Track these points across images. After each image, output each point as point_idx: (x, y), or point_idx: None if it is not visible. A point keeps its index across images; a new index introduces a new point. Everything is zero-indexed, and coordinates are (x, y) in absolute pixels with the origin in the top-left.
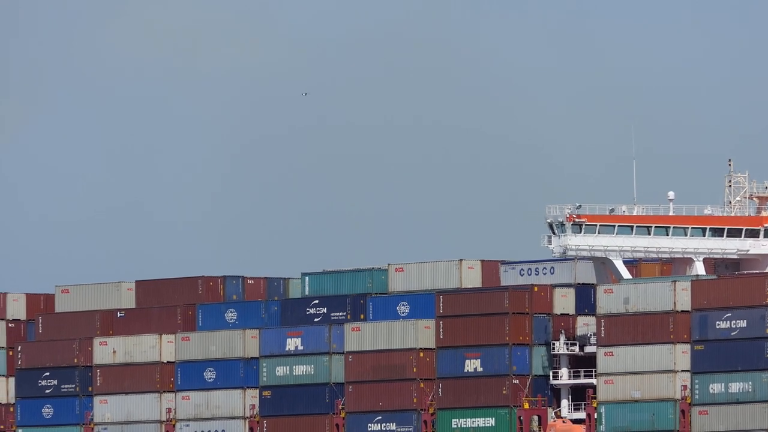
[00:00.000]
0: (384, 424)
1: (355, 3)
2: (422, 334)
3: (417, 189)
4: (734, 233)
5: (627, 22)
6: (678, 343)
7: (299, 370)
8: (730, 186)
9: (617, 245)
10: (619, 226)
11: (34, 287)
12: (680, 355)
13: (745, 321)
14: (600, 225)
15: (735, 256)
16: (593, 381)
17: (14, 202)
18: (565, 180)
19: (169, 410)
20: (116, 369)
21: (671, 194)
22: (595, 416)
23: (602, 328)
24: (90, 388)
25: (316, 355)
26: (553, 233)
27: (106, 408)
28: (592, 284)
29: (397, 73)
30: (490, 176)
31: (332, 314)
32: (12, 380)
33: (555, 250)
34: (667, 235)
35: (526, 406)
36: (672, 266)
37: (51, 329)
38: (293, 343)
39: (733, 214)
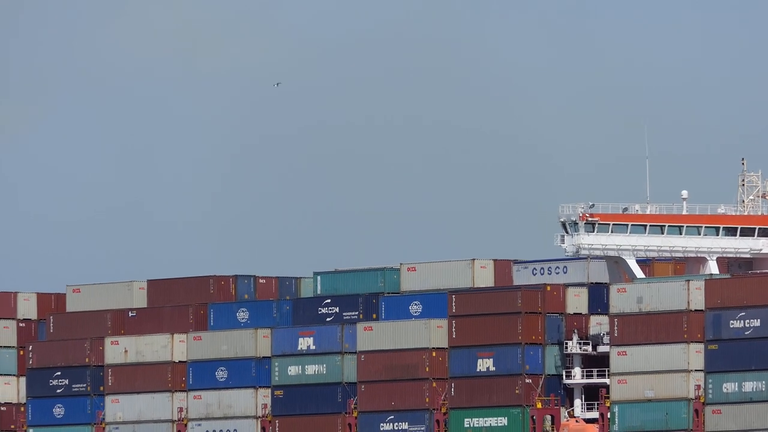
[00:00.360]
0: (396, 424)
1: (356, 3)
2: (435, 333)
3: (429, 188)
4: (747, 232)
5: (635, 20)
6: (691, 342)
7: (311, 369)
8: (743, 185)
9: (630, 244)
10: (632, 225)
11: (45, 287)
12: (694, 354)
13: (758, 320)
14: (613, 224)
15: (748, 256)
16: (606, 380)
17: (24, 202)
18: (578, 179)
19: (180, 410)
20: (128, 368)
21: (684, 193)
22: (608, 416)
23: (615, 328)
24: (101, 388)
25: (328, 354)
26: (566, 232)
27: (117, 407)
28: (605, 283)
29: (406, 72)
30: (502, 176)
31: (344, 314)
32: (23, 380)
33: (568, 250)
34: (681, 234)
35: (539, 405)
36: (685, 265)
37: (62, 329)
38: (305, 343)
39: (746, 213)
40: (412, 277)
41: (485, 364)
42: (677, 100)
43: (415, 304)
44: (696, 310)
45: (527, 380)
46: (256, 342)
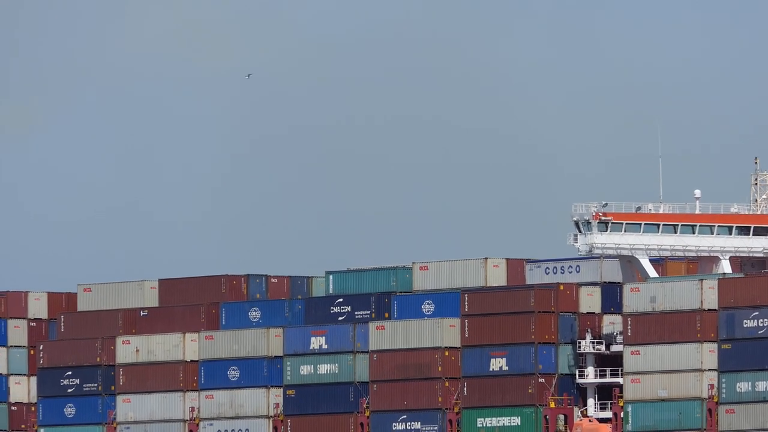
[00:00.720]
0: (409, 423)
1: (357, 3)
2: (447, 332)
3: (442, 188)
4: (760, 231)
5: (646, 17)
6: (705, 341)
7: (323, 368)
8: (756, 184)
9: (643, 243)
10: (645, 224)
11: (56, 286)
12: (707, 353)
13: None
14: (626, 223)
15: (761, 255)
16: (620, 380)
17: (33, 202)
18: (591, 178)
19: (192, 409)
20: (139, 368)
21: (697, 192)
22: (622, 415)
23: (629, 327)
24: (113, 387)
25: (340, 353)
26: (579, 231)
27: (128, 407)
28: (618, 283)
29: (417, 71)
30: (515, 175)
31: (356, 313)
32: (33, 379)
33: (581, 249)
34: (694, 233)
35: (552, 405)
36: (698, 265)
37: (73, 328)
38: (317, 342)
39: (759, 213)
40: (424, 276)
41: (498, 364)
42: (690, 98)
43: (428, 303)
44: (709, 310)
45: (540, 380)
46: (268, 341)
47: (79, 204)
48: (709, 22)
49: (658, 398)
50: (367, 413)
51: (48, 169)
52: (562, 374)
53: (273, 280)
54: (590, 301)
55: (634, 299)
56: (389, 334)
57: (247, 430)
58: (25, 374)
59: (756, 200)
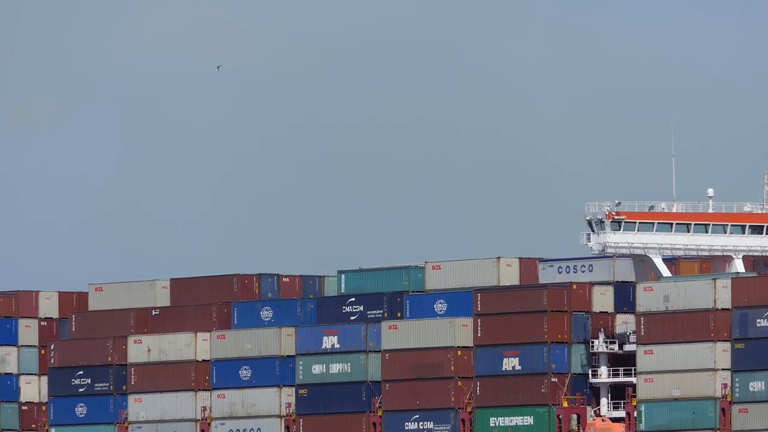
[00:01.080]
0: (421, 423)
1: (359, 3)
2: (460, 332)
3: (454, 187)
4: None
5: (656, 15)
6: (718, 341)
7: (336, 368)
8: None
9: (656, 243)
10: (658, 223)
11: (66, 286)
12: (720, 353)
13: None
14: (639, 222)
15: None
16: (633, 379)
17: (44, 202)
18: (604, 177)
19: (204, 409)
20: (151, 367)
21: (710, 191)
22: (635, 415)
23: (642, 326)
24: (124, 387)
25: (352, 353)
26: (592, 230)
27: (140, 407)
28: (631, 282)
29: (426, 71)
30: (527, 174)
31: (369, 312)
32: (44, 379)
33: (594, 248)
34: (707, 232)
35: (565, 404)
36: (711, 264)
37: (84, 327)
38: (330, 341)
39: None
40: (436, 276)
41: (511, 363)
42: (702, 97)
43: (440, 303)
44: (722, 309)
45: (553, 379)
46: (280, 341)
47: (88, 204)
48: (719, 19)
49: (671, 398)
50: (380, 413)
51: (58, 169)
52: (575, 374)
53: (285, 280)
54: (603, 300)
55: (647, 298)
56: (402, 334)
57: (259, 429)
58: (35, 374)
59: None
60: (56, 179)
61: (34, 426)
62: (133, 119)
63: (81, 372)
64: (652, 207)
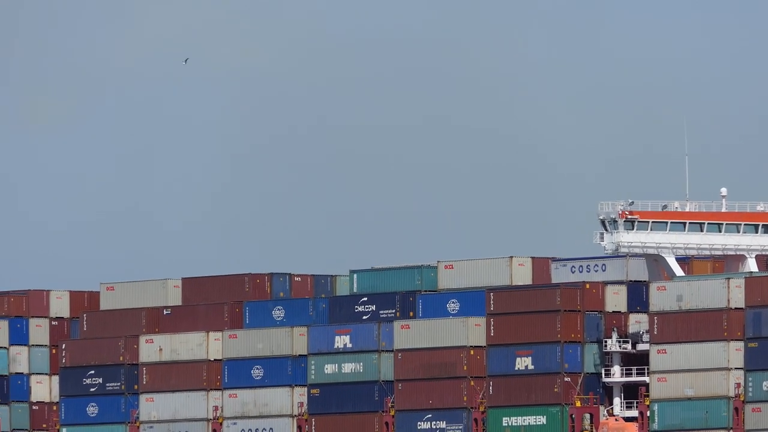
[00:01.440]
0: (434, 423)
1: (360, 3)
2: (472, 331)
3: (467, 186)
4: None
5: (668, 13)
6: (731, 340)
7: (348, 367)
8: None
9: (670, 242)
10: (671, 222)
11: (77, 286)
12: (733, 352)
13: None
14: (652, 222)
15: None
16: (646, 379)
17: (55, 201)
18: (617, 177)
19: (216, 408)
20: (162, 367)
21: (724, 191)
22: (648, 414)
23: (655, 326)
24: (136, 387)
25: (365, 352)
26: (606, 230)
27: (152, 406)
28: (644, 281)
29: (429, 71)
30: (540, 173)
31: (381, 312)
32: (55, 378)
33: (607, 247)
34: (720, 231)
35: (578, 404)
36: (724, 263)
37: (96, 327)
38: (342, 341)
39: None
40: (449, 275)
41: (524, 363)
42: (716, 96)
43: (453, 302)
44: (736, 308)
45: (566, 379)
46: (293, 340)
47: (99, 203)
48: (732, 17)
49: (684, 397)
50: (392, 412)
51: (67, 170)
52: (588, 373)
53: (296, 279)
54: (616, 299)
55: (660, 298)
56: (414, 333)
57: (271, 429)
58: (46, 373)
59: None
60: (66, 179)
61: (44, 426)
62: (139, 120)
63: (92, 371)
64: (665, 206)
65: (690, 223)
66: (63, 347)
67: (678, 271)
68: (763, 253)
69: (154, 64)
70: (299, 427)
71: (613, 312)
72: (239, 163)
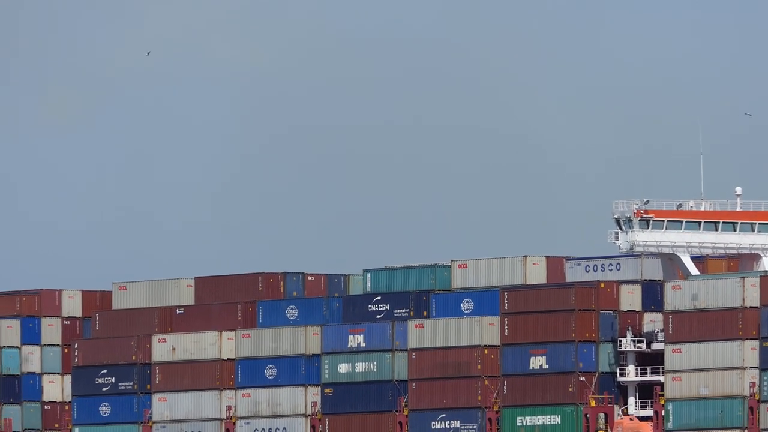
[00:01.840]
0: (448, 422)
1: (361, 3)
2: (487, 330)
3: (481, 185)
4: None
5: (679, 12)
6: (746, 339)
7: (361, 367)
8: None
9: (685, 241)
10: (686, 221)
11: (89, 285)
12: (749, 351)
13: None
14: (667, 220)
15: None
16: (660, 378)
17: (67, 200)
18: (632, 175)
19: (229, 408)
20: (175, 366)
21: (738, 190)
22: (663, 413)
23: (670, 325)
24: (148, 386)
25: (378, 352)
26: (620, 229)
27: (165, 406)
28: (659, 280)
29: (443, 71)
30: (554, 172)
31: (395, 311)
32: (67, 378)
33: (622, 246)
34: (735, 230)
35: (593, 403)
36: (739, 262)
37: (108, 326)
38: (355, 340)
39: None
40: (463, 274)
41: (538, 362)
42: (731, 95)
43: (467, 302)
44: (751, 307)
45: (581, 378)
46: (306, 339)
47: (111, 203)
48: (746, 15)
49: (699, 396)
50: (406, 412)
51: (79, 169)
52: (602, 372)
53: (310, 278)
54: (631, 298)
55: (675, 297)
56: (428, 333)
57: (284, 429)
58: (58, 373)
59: None
60: (77, 179)
61: (56, 425)
62: (149, 119)
63: (105, 371)
64: (680, 205)
65: (705, 222)
66: (75, 347)
67: (693, 270)
68: None
69: (156, 64)
70: (313, 427)
71: (628, 311)
72: (251, 161)
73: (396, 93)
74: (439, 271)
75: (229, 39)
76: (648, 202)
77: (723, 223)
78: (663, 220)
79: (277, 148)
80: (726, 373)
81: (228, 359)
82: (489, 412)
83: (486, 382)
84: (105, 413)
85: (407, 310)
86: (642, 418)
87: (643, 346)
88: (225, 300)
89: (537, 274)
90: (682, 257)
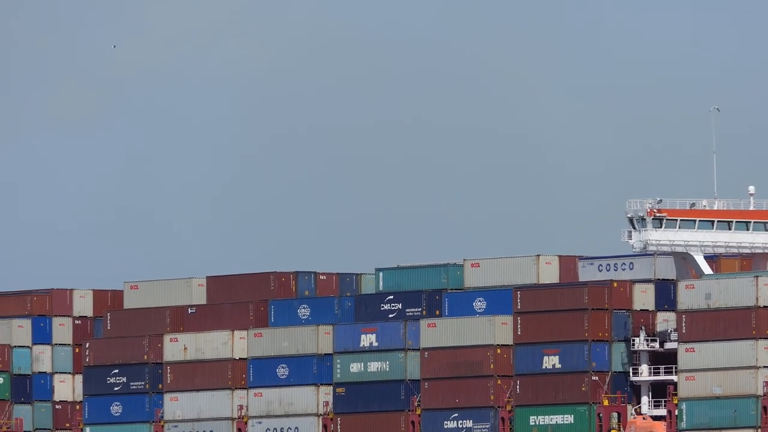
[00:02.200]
0: (460, 422)
1: (362, 3)
2: (499, 330)
3: (493, 184)
4: None
5: (690, 10)
6: (760, 338)
7: (374, 366)
8: None
9: (698, 240)
10: (699, 220)
11: (101, 284)
12: (762, 350)
13: None
14: (681, 220)
15: None
16: (674, 377)
17: (78, 200)
18: (645, 174)
19: (240, 407)
20: (187, 366)
21: (752, 189)
22: (676, 413)
23: (683, 324)
24: (160, 386)
25: (390, 351)
26: (634, 228)
27: (176, 405)
28: (672, 280)
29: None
30: (567, 171)
31: (407, 310)
32: (78, 377)
33: (635, 245)
34: (748, 230)
35: (606, 403)
36: (752, 261)
37: (120, 326)
38: (367, 340)
39: None
40: (475, 273)
41: (551, 361)
42: (743, 93)
43: (479, 301)
44: (764, 307)
45: (594, 377)
46: (318, 339)
47: (123, 202)
48: (756, 11)
49: (712, 396)
50: (418, 411)
51: (89, 168)
52: (615, 372)
53: (322, 277)
54: (644, 298)
55: (688, 296)
56: (440, 332)
57: (296, 428)
58: (69, 372)
59: None
60: (87, 178)
61: (67, 425)
62: (158, 119)
63: (116, 370)
64: (693, 204)
65: (718, 221)
66: (87, 346)
67: (706, 269)
68: None
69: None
70: (325, 427)
71: (641, 310)
72: (262, 160)
73: (403, 92)
74: (452, 270)
75: (230, 39)
76: (661, 201)
77: (736, 222)
78: (676, 219)
79: (288, 147)
80: (739, 373)
81: (240, 359)
82: (502, 412)
83: (499, 382)
84: (116, 413)
85: (420, 310)
86: (655, 418)
87: (656, 345)
88: (237, 299)
89: (550, 274)
90: (695, 256)
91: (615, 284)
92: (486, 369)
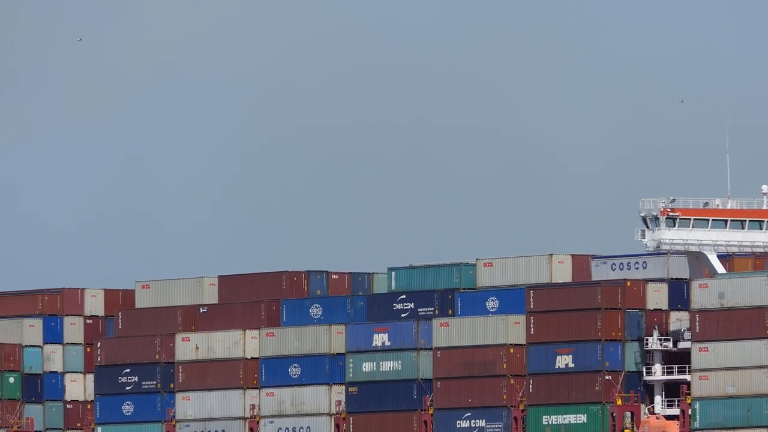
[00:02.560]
0: (473, 421)
1: (362, 4)
2: (512, 329)
3: (506, 184)
4: None
5: (701, 9)
6: None
7: (386, 366)
8: None
9: (711, 239)
10: (713, 220)
11: (112, 283)
12: None
13: None
14: (694, 219)
15: None
16: (687, 377)
17: (88, 199)
18: (659, 173)
19: (252, 407)
20: (199, 365)
21: (765, 188)
22: (689, 412)
23: (697, 324)
24: (172, 385)
25: (403, 350)
26: (647, 227)
27: (188, 405)
28: (685, 279)
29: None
30: (580, 170)
31: (420, 309)
32: (90, 377)
33: (649, 244)
34: (761, 229)
35: (619, 402)
36: (765, 260)
37: (131, 325)
38: (380, 339)
39: None
40: (488, 273)
41: (564, 361)
42: (757, 93)
43: (492, 300)
44: None
45: (607, 377)
46: (330, 338)
47: (134, 202)
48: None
49: (726, 395)
50: (431, 411)
51: (99, 168)
52: (628, 371)
53: (334, 277)
54: (657, 297)
55: (702, 295)
56: (453, 331)
57: (308, 428)
58: (81, 372)
59: None
60: (98, 178)
61: (78, 425)
62: (163, 119)
63: (128, 370)
64: (706, 203)
65: (731, 220)
66: (98, 345)
67: (719, 268)
68: None
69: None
70: (337, 426)
71: (654, 310)
72: (275, 159)
73: (415, 92)
74: (464, 270)
75: (230, 39)
76: (675, 200)
77: (749, 221)
78: (689, 219)
79: (300, 147)
80: (753, 372)
81: (252, 358)
82: (515, 411)
83: (511, 381)
84: (128, 412)
85: (432, 309)
86: (668, 417)
87: (670, 344)
88: (248, 299)
89: (562, 273)
90: (708, 255)
91: (628, 283)
92: (499, 368)
